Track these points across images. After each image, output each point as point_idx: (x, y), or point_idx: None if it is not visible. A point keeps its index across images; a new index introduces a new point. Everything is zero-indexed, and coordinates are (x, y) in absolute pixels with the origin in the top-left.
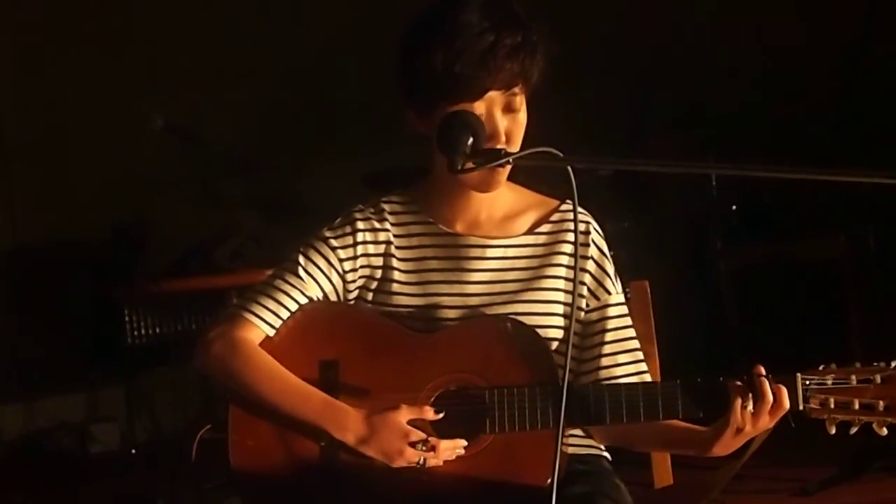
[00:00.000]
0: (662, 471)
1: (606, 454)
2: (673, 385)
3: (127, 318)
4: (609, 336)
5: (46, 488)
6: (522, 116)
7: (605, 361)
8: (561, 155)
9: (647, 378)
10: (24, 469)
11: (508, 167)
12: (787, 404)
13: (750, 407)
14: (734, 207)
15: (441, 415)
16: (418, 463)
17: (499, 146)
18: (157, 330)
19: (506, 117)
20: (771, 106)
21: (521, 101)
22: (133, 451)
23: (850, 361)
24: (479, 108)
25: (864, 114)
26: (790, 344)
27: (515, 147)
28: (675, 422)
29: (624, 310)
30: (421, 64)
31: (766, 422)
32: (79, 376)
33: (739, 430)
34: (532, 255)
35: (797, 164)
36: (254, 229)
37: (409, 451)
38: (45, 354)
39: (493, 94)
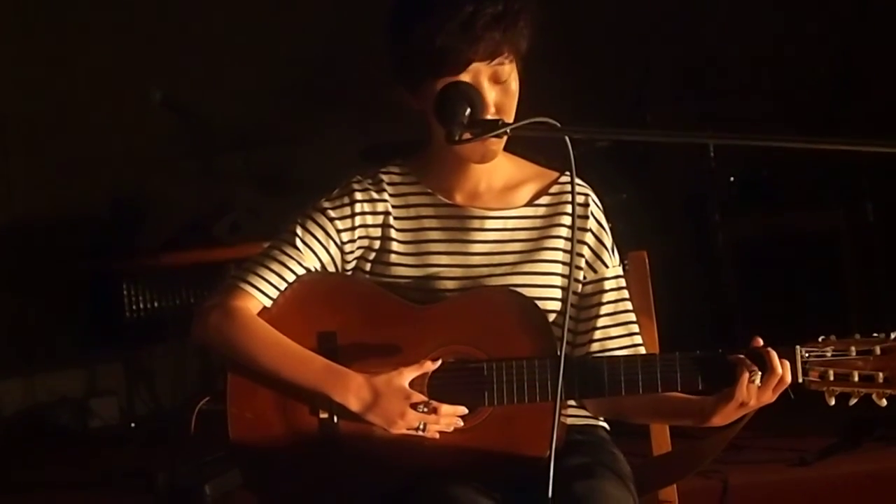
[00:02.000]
0: (661, 440)
1: (604, 424)
2: (672, 357)
3: (125, 293)
4: (604, 309)
5: (46, 463)
6: (514, 86)
7: (598, 334)
8: (559, 125)
9: (642, 351)
10: (24, 444)
11: (504, 138)
12: (789, 378)
13: (757, 380)
14: (732, 179)
15: (439, 362)
16: (419, 428)
17: (489, 117)
18: (156, 304)
19: (494, 88)
20: (769, 77)
21: (509, 71)
22: (132, 425)
23: (849, 333)
24: (464, 80)
25: (862, 87)
26: (789, 315)
27: (508, 117)
28: (670, 393)
29: (621, 283)
30: (403, 40)
31: (769, 396)
32: (78, 351)
33: (743, 404)
34: (531, 226)
35: (795, 134)
36: (252, 203)
37: (411, 413)
38: (44, 330)
39: (477, 65)
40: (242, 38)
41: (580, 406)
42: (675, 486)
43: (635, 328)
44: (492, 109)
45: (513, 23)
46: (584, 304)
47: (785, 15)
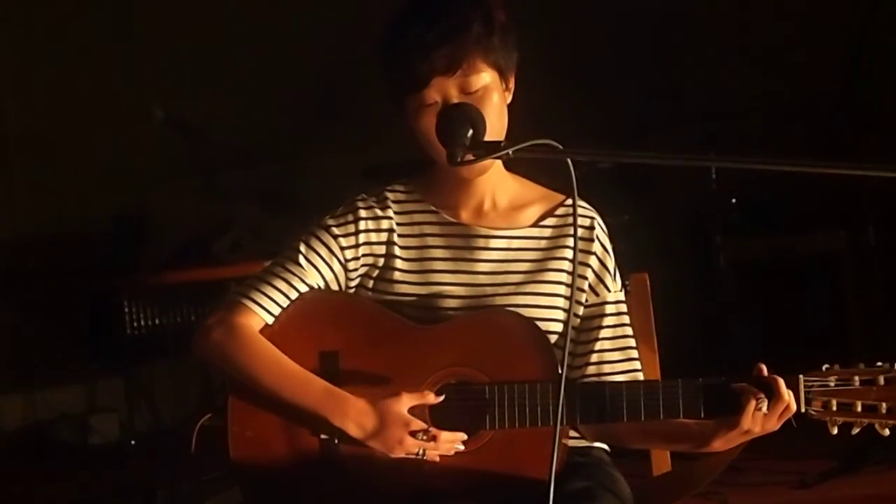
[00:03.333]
0: (661, 462)
1: (604, 445)
2: (674, 384)
3: (126, 310)
4: (603, 333)
5: (46, 479)
6: (494, 99)
7: (594, 358)
8: (561, 147)
9: (640, 377)
10: (25, 460)
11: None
12: (794, 407)
13: (764, 408)
14: (734, 201)
15: (441, 398)
16: (418, 453)
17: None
18: (157, 321)
19: (465, 100)
20: (771, 100)
21: (481, 82)
22: (132, 442)
23: (850, 355)
24: (432, 95)
25: (864, 108)
26: (790, 337)
27: (490, 130)
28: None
29: (621, 308)
30: (380, 65)
31: (774, 424)
32: (78, 368)
33: (748, 432)
34: (536, 247)
35: (797, 158)
36: (253, 221)
37: (409, 440)
38: (44, 346)
39: (440, 79)
40: (244, 56)
41: (574, 429)
42: None
43: (634, 353)
44: None
45: (461, 35)
46: (584, 327)
47: (787, 36)
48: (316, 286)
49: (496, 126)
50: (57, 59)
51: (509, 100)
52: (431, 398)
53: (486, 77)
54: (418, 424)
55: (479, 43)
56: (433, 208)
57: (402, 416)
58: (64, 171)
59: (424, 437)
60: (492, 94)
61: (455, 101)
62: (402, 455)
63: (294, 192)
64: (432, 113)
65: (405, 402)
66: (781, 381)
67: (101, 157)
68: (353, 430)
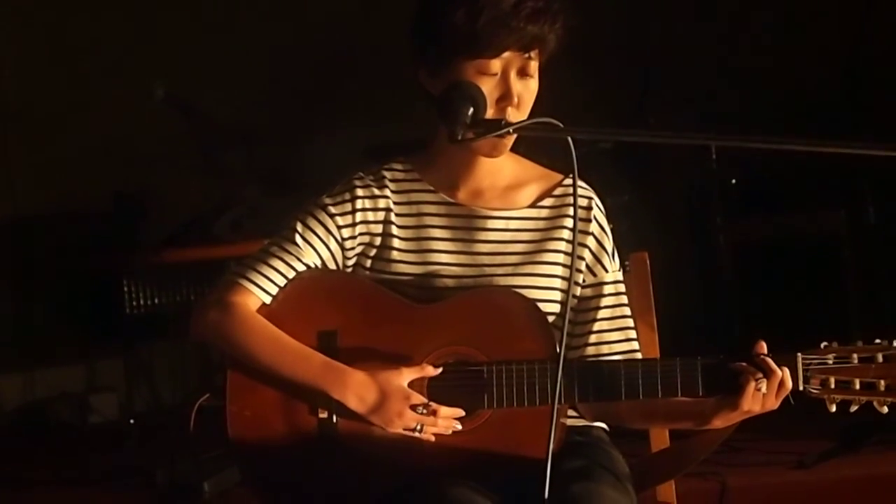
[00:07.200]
0: (660, 441)
1: (603, 425)
2: (672, 363)
3: (126, 289)
4: (602, 313)
5: (45, 459)
6: (535, 84)
7: (593, 338)
8: (561, 125)
9: (639, 357)
10: (24, 439)
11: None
12: (790, 383)
13: (763, 388)
14: (734, 181)
15: (440, 370)
16: (416, 429)
17: (510, 108)
18: (156, 301)
19: (520, 81)
20: (772, 80)
21: (535, 68)
22: (132, 421)
23: (850, 334)
24: (495, 66)
25: (866, 89)
26: (789, 317)
27: (524, 113)
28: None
29: (619, 288)
30: (442, 19)
31: (773, 402)
32: (78, 347)
33: (748, 411)
34: (534, 228)
35: (797, 137)
36: (254, 200)
37: (409, 413)
38: (44, 325)
39: (510, 54)
40: (246, 35)
41: (573, 409)
42: (673, 487)
43: (632, 333)
44: (515, 100)
45: (551, 20)
46: (581, 307)
47: (788, 19)
48: (313, 265)
49: (529, 107)
50: (58, 36)
51: None
52: (430, 370)
53: (536, 67)
54: (418, 398)
55: (554, 35)
56: (431, 187)
57: (402, 389)
58: (64, 149)
59: (424, 412)
60: (536, 80)
61: (513, 78)
62: (400, 429)
63: (295, 171)
64: (487, 83)
65: (405, 375)
66: (771, 360)
67: (102, 135)
68: (353, 403)
